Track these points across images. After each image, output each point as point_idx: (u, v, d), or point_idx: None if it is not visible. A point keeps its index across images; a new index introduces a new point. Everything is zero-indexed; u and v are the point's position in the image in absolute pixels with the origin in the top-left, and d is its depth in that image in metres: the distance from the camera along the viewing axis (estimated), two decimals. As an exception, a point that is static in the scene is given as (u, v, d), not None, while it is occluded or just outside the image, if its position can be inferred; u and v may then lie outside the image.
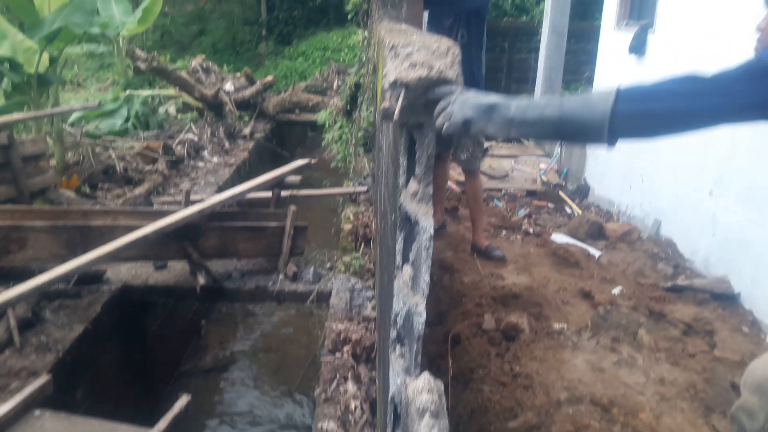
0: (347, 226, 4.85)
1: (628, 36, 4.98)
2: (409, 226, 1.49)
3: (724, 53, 3.77)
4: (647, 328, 3.05)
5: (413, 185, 1.50)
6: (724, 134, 3.69)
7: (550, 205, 5.73)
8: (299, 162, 4.61)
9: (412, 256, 1.50)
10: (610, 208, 5.36)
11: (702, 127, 1.17)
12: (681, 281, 3.80)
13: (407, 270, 1.52)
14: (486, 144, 6.41)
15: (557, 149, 6.65)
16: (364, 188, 5.60)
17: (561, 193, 5.96)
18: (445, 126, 1.27)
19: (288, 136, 9.94)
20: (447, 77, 1.33)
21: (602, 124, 1.15)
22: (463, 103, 1.24)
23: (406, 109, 1.38)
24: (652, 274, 3.97)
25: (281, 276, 3.97)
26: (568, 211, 5.59)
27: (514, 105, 1.24)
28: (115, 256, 3.32)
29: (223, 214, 3.99)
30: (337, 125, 7.54)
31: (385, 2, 3.41)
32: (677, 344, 2.96)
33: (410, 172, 1.53)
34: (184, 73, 9.59)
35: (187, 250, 3.75)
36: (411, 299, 1.52)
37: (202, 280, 3.74)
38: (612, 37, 5.43)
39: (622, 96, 1.15)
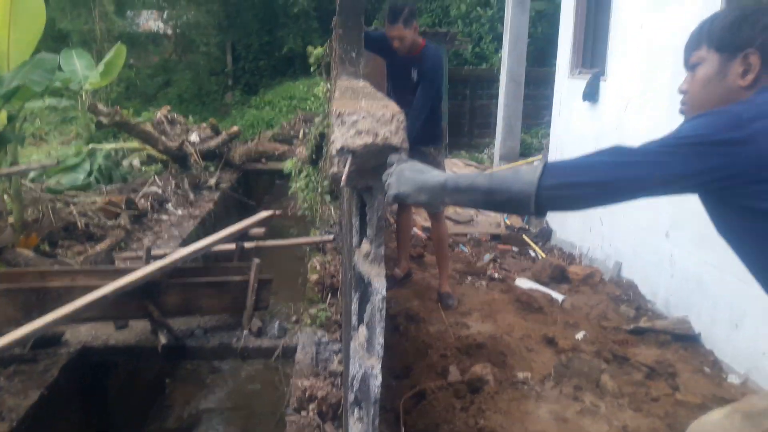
0: (313, 277, 4.83)
1: (581, 83, 5.16)
2: (364, 286, 1.50)
3: (671, 101, 3.93)
4: (611, 372, 3.08)
5: (366, 246, 1.52)
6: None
7: (515, 248, 5.80)
8: (263, 214, 4.60)
9: (366, 318, 1.50)
10: (572, 251, 5.45)
11: (628, 198, 1.21)
12: (643, 323, 3.86)
13: (362, 331, 1.53)
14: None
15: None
16: (331, 237, 5.60)
17: (525, 237, 6.05)
18: (386, 196, 1.32)
19: (255, 185, 9.94)
20: (392, 144, 1.37)
21: (529, 196, 1.18)
22: (399, 175, 1.29)
23: (353, 174, 1.42)
24: (614, 316, 4.03)
25: (245, 331, 3.91)
26: (532, 254, 5.66)
27: (447, 176, 1.29)
28: (74, 318, 3.24)
29: (185, 269, 3.94)
30: (303, 174, 7.57)
31: (343, 59, 3.49)
32: (640, 388, 2.99)
33: (363, 233, 1.55)
34: (149, 126, 9.57)
35: (147, 308, 3.68)
36: (366, 361, 1.52)
37: (163, 339, 3.67)
38: (566, 84, 5.62)
39: (550, 169, 1.20)
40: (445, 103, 4.28)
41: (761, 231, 1.19)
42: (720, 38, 1.34)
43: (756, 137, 1.11)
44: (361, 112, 1.39)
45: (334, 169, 1.42)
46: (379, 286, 1.47)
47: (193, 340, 3.89)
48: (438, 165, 4.16)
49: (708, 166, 1.14)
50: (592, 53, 5.41)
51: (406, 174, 1.29)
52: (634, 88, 4.42)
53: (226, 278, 3.91)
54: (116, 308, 3.62)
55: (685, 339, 3.72)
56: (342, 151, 1.40)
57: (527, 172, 1.21)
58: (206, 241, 4.00)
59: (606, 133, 4.82)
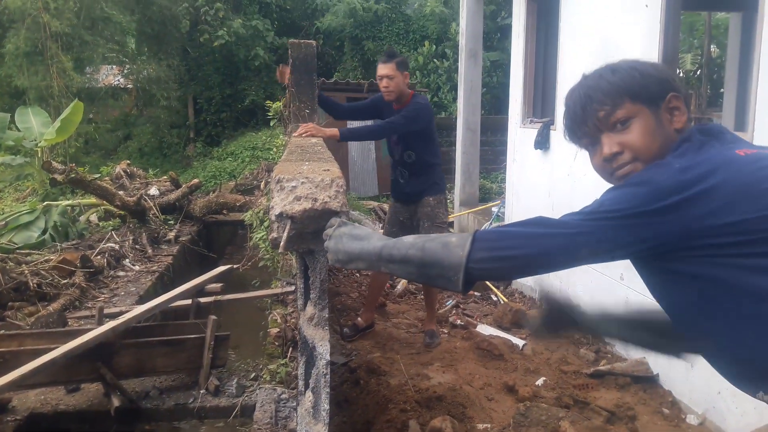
0: (273, 330, 4.74)
1: (533, 132, 5.31)
2: (309, 350, 1.48)
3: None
4: (571, 418, 3.07)
5: (310, 309, 1.51)
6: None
7: (477, 293, 5.82)
8: (221, 268, 4.55)
9: (312, 382, 1.48)
10: (532, 294, 5.50)
11: (558, 269, 1.23)
12: (602, 366, 3.89)
13: (309, 396, 1.50)
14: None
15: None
16: (292, 288, 5.54)
17: (487, 282, 6.08)
18: (328, 259, 1.33)
19: (217, 237, 9.83)
20: (331, 208, 1.38)
21: (459, 269, 1.20)
22: (337, 241, 1.30)
23: (294, 238, 1.42)
24: (574, 360, 4.05)
25: (203, 391, 3.81)
26: (494, 298, 5.69)
27: (382, 245, 1.29)
28: (21, 384, 3.12)
29: (139, 328, 3.85)
30: (265, 224, 7.55)
31: (297, 116, 3.54)
32: (601, 434, 2.99)
33: (307, 296, 1.54)
34: (107, 181, 9.46)
35: (100, 371, 3.56)
36: (313, 428, 1.49)
37: (116, 401, 3.55)
38: (519, 133, 5.78)
39: (478, 242, 1.21)
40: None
41: (687, 293, 1.22)
42: (640, 91, 1.35)
43: (677, 208, 1.14)
44: (300, 178, 1.40)
45: (274, 234, 1.43)
46: (323, 350, 1.46)
47: (149, 401, 3.77)
48: (436, 216, 4.23)
49: (633, 238, 1.16)
50: (542, 103, 5.59)
51: (344, 240, 1.30)
52: (583, 136, 4.57)
53: (182, 336, 3.82)
54: (66, 372, 3.49)
55: (644, 380, 3.75)
56: (281, 216, 1.41)
57: (456, 245, 1.22)
58: (160, 299, 3.92)
59: (558, 180, 4.95)
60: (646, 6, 3.86)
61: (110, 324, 3.54)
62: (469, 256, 1.19)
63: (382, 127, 4.11)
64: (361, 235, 1.31)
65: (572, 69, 4.78)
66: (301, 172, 1.47)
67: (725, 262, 1.14)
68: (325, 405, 1.45)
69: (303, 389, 1.54)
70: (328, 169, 1.52)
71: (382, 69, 4.08)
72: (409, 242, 1.29)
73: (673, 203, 1.14)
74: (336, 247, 1.29)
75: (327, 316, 1.49)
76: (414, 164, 4.21)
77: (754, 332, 1.14)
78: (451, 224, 8.43)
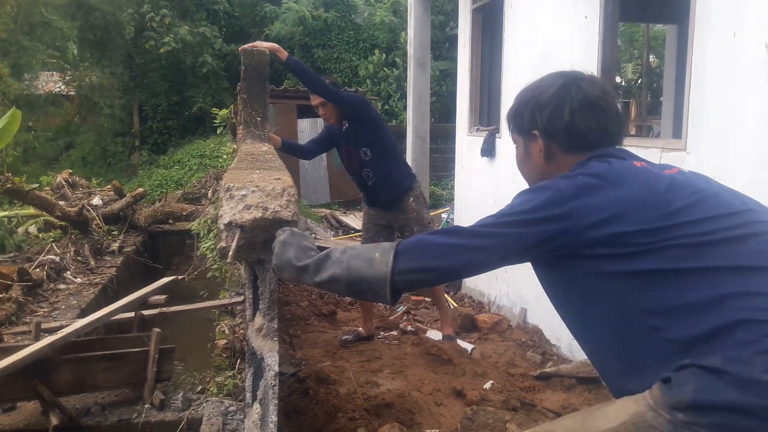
0: (221, 342, 4.66)
1: (479, 140, 5.40)
2: (257, 362, 1.45)
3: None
4: (518, 421, 3.12)
5: (258, 320, 1.48)
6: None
7: (428, 299, 5.86)
8: (165, 279, 4.44)
9: (260, 394, 1.46)
10: (481, 299, 5.58)
11: (477, 273, 1.33)
12: (548, 368, 3.97)
13: (256, 408, 1.48)
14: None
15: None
16: (240, 298, 5.46)
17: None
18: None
19: (163, 247, 9.60)
20: (282, 218, 1.37)
21: (385, 283, 1.26)
22: (278, 249, 1.31)
23: (244, 248, 1.40)
24: (522, 363, 4.12)
25: (147, 405, 3.71)
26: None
27: (308, 262, 1.30)
28: (-51, 405, 2.97)
29: (79, 343, 3.71)
30: (213, 233, 7.41)
31: (248, 123, 3.49)
32: (546, 435, 3.04)
33: (256, 306, 1.51)
34: (47, 191, 9.12)
35: (36, 388, 3.42)
36: None
37: (54, 420, 3.41)
38: (466, 141, 5.87)
39: (400, 254, 1.27)
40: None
41: (572, 296, 1.30)
42: (513, 122, 1.49)
43: (573, 213, 1.20)
44: (250, 186, 1.39)
45: (222, 243, 1.41)
46: (272, 362, 1.44)
47: (90, 418, 3.64)
48: (422, 218, 4.21)
49: (535, 240, 1.23)
50: (488, 112, 5.70)
51: (278, 249, 1.31)
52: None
53: (124, 350, 3.71)
54: (0, 391, 3.34)
55: (590, 381, 3.83)
56: (230, 225, 1.39)
57: (380, 261, 1.27)
58: (102, 313, 3.80)
59: (503, 187, 5.05)
60: (585, 17, 3.99)
61: (48, 339, 3.41)
62: (393, 270, 1.25)
63: (326, 85, 3.96)
64: (295, 248, 1.32)
65: (515, 79, 4.90)
66: (252, 180, 1.45)
67: (607, 269, 1.19)
68: (273, 417, 1.43)
69: (251, 401, 1.52)
70: (279, 178, 1.51)
71: (314, 99, 4.11)
72: (335, 260, 1.31)
73: (570, 209, 1.20)
74: (275, 256, 1.30)
75: (276, 326, 1.47)
76: (373, 161, 4.15)
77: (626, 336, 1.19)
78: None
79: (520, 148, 1.47)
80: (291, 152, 4.35)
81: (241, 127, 3.57)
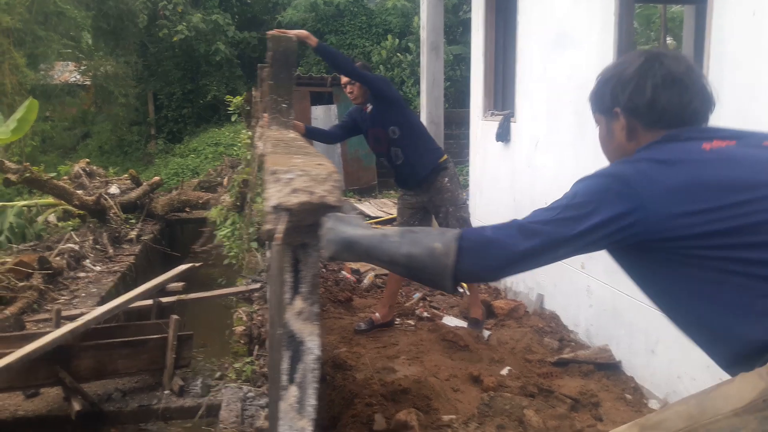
0: (239, 328, 4.69)
1: (494, 125, 5.35)
2: (295, 345, 1.45)
3: (575, 138, 4.13)
4: (536, 407, 3.12)
5: (299, 303, 1.48)
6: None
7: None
8: (182, 267, 4.49)
9: (298, 377, 1.46)
10: (497, 285, 5.56)
11: (539, 266, 1.29)
12: (566, 354, 3.95)
13: (293, 391, 1.48)
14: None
15: (446, 231, 6.87)
16: (257, 285, 5.49)
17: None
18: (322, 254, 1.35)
19: (181, 234, 9.70)
20: (328, 203, 1.37)
21: (446, 276, 1.26)
22: (329, 234, 1.31)
23: (289, 231, 1.40)
24: (539, 349, 4.10)
25: (167, 391, 3.76)
26: (461, 290, 5.73)
27: (369, 244, 1.31)
28: (-26, 392, 3.03)
29: (99, 330, 3.77)
30: (229, 221, 7.46)
31: (274, 109, 3.47)
32: (564, 421, 3.04)
33: (296, 290, 1.51)
34: (65, 180, 9.22)
35: (59, 375, 3.48)
36: (298, 423, 1.47)
37: (77, 406, 3.47)
38: (480, 126, 5.82)
39: (463, 252, 1.25)
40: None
41: (659, 280, 1.27)
42: (595, 102, 1.46)
43: (639, 199, 1.19)
44: (296, 170, 1.38)
45: (269, 226, 1.40)
46: (313, 345, 1.44)
47: (111, 404, 3.71)
48: (457, 198, 4.23)
49: (605, 233, 1.21)
50: (503, 96, 5.64)
51: (335, 232, 1.32)
52: (541, 129, 4.63)
53: (143, 337, 3.76)
54: (24, 377, 3.41)
55: (607, 367, 3.82)
56: (277, 208, 1.38)
57: (442, 252, 1.25)
58: (121, 300, 3.85)
59: (519, 171, 5.00)
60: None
61: (68, 326, 3.46)
62: (455, 266, 1.24)
63: (355, 68, 3.99)
64: (353, 230, 1.32)
65: (530, 62, 4.84)
66: (296, 165, 1.45)
67: (691, 253, 1.18)
68: (311, 400, 1.44)
69: (287, 384, 1.51)
70: (322, 164, 1.50)
71: (343, 78, 4.17)
72: (395, 243, 1.31)
73: (635, 192, 1.19)
74: (329, 241, 1.31)
75: (317, 311, 1.47)
76: (402, 138, 4.17)
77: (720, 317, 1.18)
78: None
79: (603, 128, 1.45)
80: (315, 137, 4.38)
81: (266, 114, 3.56)
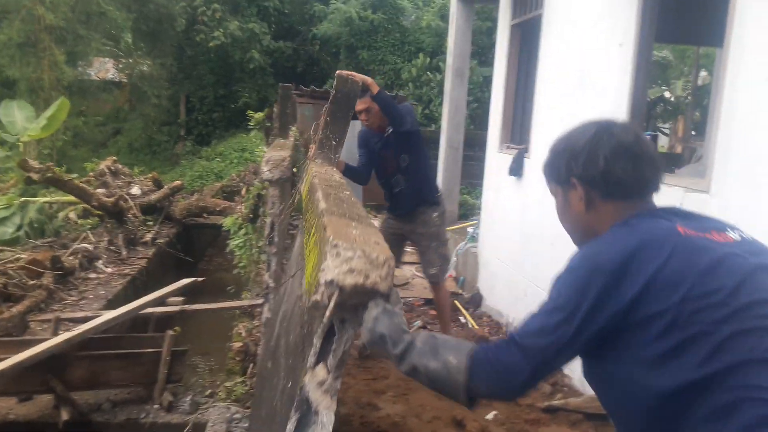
0: (236, 345, 4.72)
1: (509, 158, 5.32)
2: (307, 412, 1.43)
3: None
4: (517, 456, 3.07)
5: (322, 373, 1.45)
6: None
7: (446, 315, 5.81)
8: (184, 281, 4.54)
9: None
10: (500, 320, 5.50)
11: (549, 374, 1.36)
12: (557, 401, 3.88)
13: None
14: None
15: (454, 257, 6.84)
16: (260, 300, 5.52)
17: (456, 303, 6.08)
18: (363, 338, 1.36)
19: (197, 239, 9.81)
20: (379, 290, 1.36)
21: (461, 393, 1.29)
22: (371, 323, 1.32)
23: (336, 308, 1.39)
24: (531, 392, 4.04)
25: (156, 406, 3.80)
26: (463, 320, 5.68)
27: (398, 353, 1.33)
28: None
29: (95, 340, 3.83)
30: (242, 231, 7.53)
31: (323, 144, 3.49)
32: (544, 474, 2.99)
33: (321, 356, 1.48)
34: (91, 176, 9.41)
35: (50, 383, 3.54)
36: None
37: (65, 415, 3.53)
38: (496, 157, 5.79)
39: (473, 374, 1.27)
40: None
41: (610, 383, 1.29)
42: (550, 173, 1.49)
43: (613, 293, 1.19)
44: (357, 250, 1.37)
45: (317, 297, 1.39)
46: (327, 421, 1.41)
47: (100, 414, 3.76)
48: (440, 235, 4.35)
49: (590, 331, 1.22)
50: (520, 130, 5.61)
51: (370, 325, 1.33)
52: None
53: (138, 350, 3.81)
54: (14, 384, 3.47)
55: (597, 418, 3.74)
56: (331, 284, 1.38)
57: (455, 369, 1.28)
58: (118, 312, 3.91)
59: (529, 207, 4.96)
60: (620, 45, 3.88)
61: (64, 336, 3.53)
62: (467, 384, 1.27)
63: (402, 116, 4.06)
64: (390, 331, 1.33)
65: (548, 100, 4.80)
66: (354, 239, 1.44)
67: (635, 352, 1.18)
68: None
69: None
70: (379, 243, 1.48)
71: (359, 104, 4.07)
72: (418, 352, 1.33)
73: (604, 287, 1.19)
74: (369, 332, 1.33)
75: (339, 387, 1.46)
76: (409, 168, 4.23)
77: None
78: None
79: (560, 198, 1.47)
80: (350, 177, 4.33)
81: (314, 145, 3.61)
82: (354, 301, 1.40)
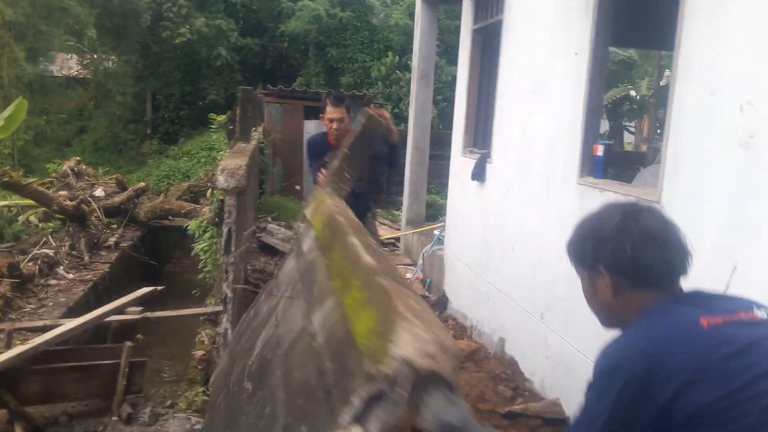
0: (199, 353, 4.69)
1: (472, 162, 5.37)
2: None
3: (544, 189, 4.14)
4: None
5: None
6: (550, 260, 3.94)
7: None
8: (143, 290, 4.48)
9: None
10: (464, 323, 5.56)
11: None
12: (517, 406, 3.94)
13: None
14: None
15: (420, 259, 6.88)
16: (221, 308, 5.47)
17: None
18: None
19: (164, 242, 9.67)
20: (449, 379, 1.31)
21: None
22: (438, 410, 1.20)
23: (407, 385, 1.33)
24: (492, 397, 4.09)
25: (114, 418, 3.75)
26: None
27: None
28: None
29: (51, 352, 3.76)
30: (207, 234, 7.45)
31: (337, 174, 3.43)
32: (500, 481, 3.03)
33: (360, 421, 1.41)
34: (53, 176, 9.22)
35: (2, 398, 3.47)
36: None
37: (19, 430, 3.46)
38: (459, 161, 5.84)
39: None
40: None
41: None
42: (575, 256, 1.46)
43: (634, 397, 1.23)
44: (430, 332, 1.31)
45: (388, 371, 1.32)
46: None
47: (56, 428, 3.70)
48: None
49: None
50: (483, 135, 5.65)
51: (445, 418, 1.22)
52: (514, 174, 4.64)
53: (94, 363, 3.76)
54: (-34, 399, 3.40)
55: (555, 423, 3.81)
56: (404, 362, 1.31)
57: None
58: (75, 323, 3.85)
59: (491, 213, 5.01)
60: (576, 54, 3.93)
61: (17, 349, 3.46)
62: None
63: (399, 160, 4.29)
64: (463, 423, 1.25)
65: (508, 106, 4.86)
66: (422, 318, 1.40)
67: None
68: None
69: None
70: (441, 325, 1.45)
71: (334, 113, 4.02)
72: None
73: (632, 398, 1.22)
74: (440, 417, 1.22)
75: None
76: (360, 188, 4.12)
77: None
78: (397, 240, 8.45)
79: (586, 282, 1.45)
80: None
81: (325, 172, 3.53)
82: (421, 382, 1.35)
